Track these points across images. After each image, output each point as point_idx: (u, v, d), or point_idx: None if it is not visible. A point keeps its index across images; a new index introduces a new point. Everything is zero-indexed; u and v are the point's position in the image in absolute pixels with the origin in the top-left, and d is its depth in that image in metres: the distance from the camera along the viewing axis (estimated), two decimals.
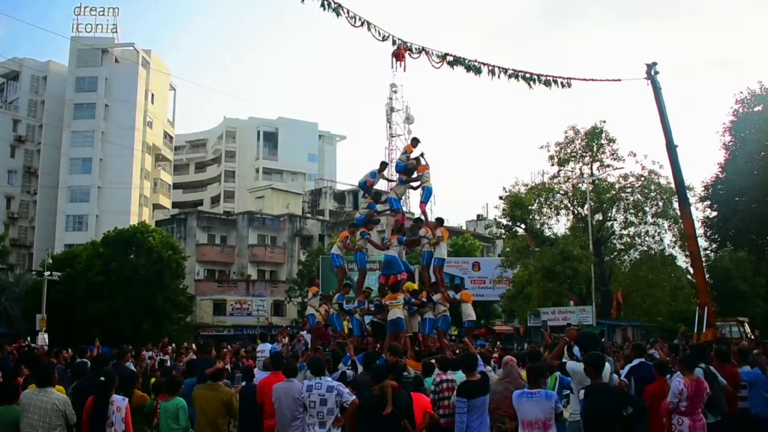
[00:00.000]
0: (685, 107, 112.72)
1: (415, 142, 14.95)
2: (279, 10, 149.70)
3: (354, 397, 6.99)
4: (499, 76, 16.82)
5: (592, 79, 19.41)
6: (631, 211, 32.69)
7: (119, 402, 6.73)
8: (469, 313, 12.92)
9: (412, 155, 14.66)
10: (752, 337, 24.54)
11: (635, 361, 8.58)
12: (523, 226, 34.88)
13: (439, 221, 14.00)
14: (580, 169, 34.00)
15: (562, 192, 34.30)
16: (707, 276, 24.32)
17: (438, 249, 13.28)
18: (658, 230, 32.83)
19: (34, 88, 61.99)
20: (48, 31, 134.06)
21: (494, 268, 39.47)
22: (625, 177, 33.01)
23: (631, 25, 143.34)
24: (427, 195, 14.21)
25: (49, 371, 6.96)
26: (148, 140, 61.14)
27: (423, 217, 14.29)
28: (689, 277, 31.25)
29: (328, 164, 79.92)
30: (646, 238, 33.21)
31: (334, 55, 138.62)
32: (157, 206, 63.55)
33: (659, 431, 7.48)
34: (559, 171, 33.98)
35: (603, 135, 33.06)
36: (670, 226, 32.20)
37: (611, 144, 33.09)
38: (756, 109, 27.52)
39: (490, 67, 16.71)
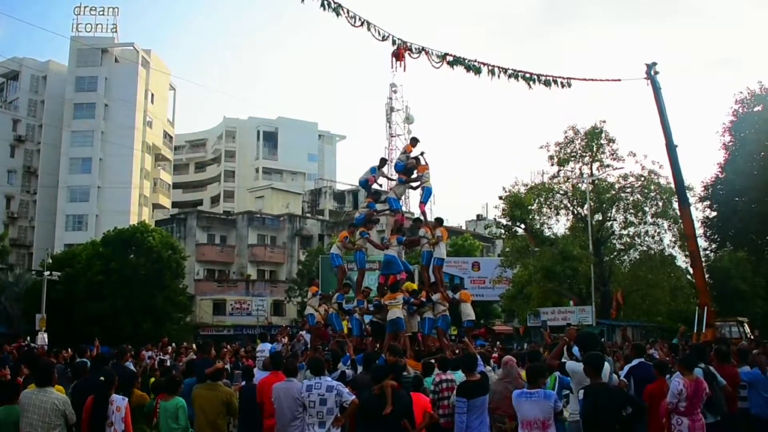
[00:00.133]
0: (685, 107, 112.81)
1: (414, 141, 14.95)
2: (279, 9, 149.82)
3: (354, 396, 6.99)
4: (498, 76, 16.82)
5: (592, 79, 19.43)
6: (631, 211, 32.67)
7: (119, 402, 6.73)
8: (468, 312, 12.91)
9: (412, 155, 14.66)
10: (752, 337, 24.54)
11: (635, 361, 8.58)
12: (522, 226, 34.86)
13: (439, 221, 14.00)
14: (580, 169, 34.00)
15: (561, 192, 34.29)
16: (707, 276, 24.30)
17: (437, 249, 13.28)
18: (657, 230, 32.82)
19: (33, 87, 61.98)
20: (48, 30, 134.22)
21: (494, 268, 39.45)
22: (625, 177, 33.03)
23: (631, 25, 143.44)
24: (426, 195, 14.21)
25: (49, 371, 6.97)
26: (147, 140, 61.15)
27: (422, 217, 14.28)
28: (689, 277, 31.24)
29: (328, 164, 79.93)
30: (646, 238, 33.21)
31: (334, 55, 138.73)
32: (156, 206, 63.55)
33: (659, 431, 7.49)
34: (559, 171, 33.98)
35: (603, 135, 33.04)
36: (669, 226, 32.19)
37: (611, 144, 33.09)
38: (756, 109, 27.53)
39: (490, 67, 16.70)
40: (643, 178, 32.19)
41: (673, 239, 32.50)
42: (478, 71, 16.51)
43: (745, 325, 28.01)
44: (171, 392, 7.60)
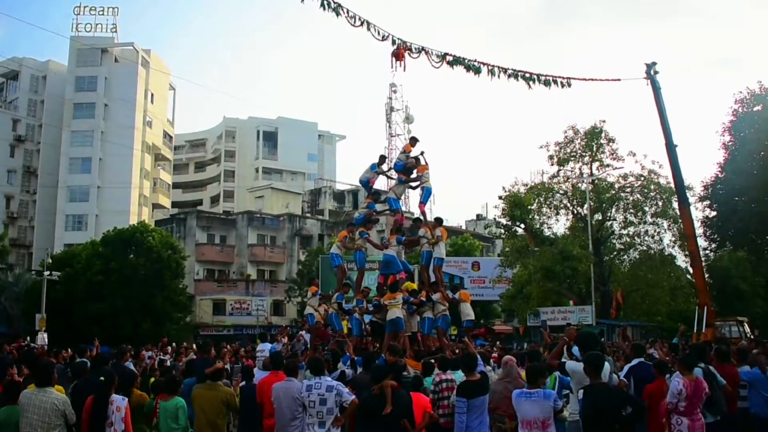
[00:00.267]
0: (684, 107, 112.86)
1: (413, 141, 14.94)
2: (279, 9, 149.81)
3: (353, 396, 6.99)
4: (498, 76, 16.80)
5: (592, 79, 19.40)
6: (631, 210, 32.66)
7: (119, 402, 6.73)
8: (467, 312, 12.91)
9: (411, 154, 14.64)
10: (752, 336, 24.55)
11: (634, 361, 8.58)
12: (522, 225, 34.86)
13: (438, 221, 14.00)
14: (580, 169, 34.00)
15: (561, 192, 34.28)
16: (707, 276, 24.30)
17: (437, 249, 13.29)
18: (657, 230, 32.82)
19: (33, 87, 61.96)
20: (47, 30, 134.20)
21: (494, 267, 39.44)
22: (625, 177, 33.02)
23: (631, 25, 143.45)
24: (426, 195, 14.21)
25: (49, 371, 6.96)
26: (147, 140, 61.14)
27: (422, 217, 14.27)
28: (689, 276, 31.23)
29: (328, 164, 79.93)
30: (646, 238, 33.20)
31: (334, 55, 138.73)
32: (156, 206, 63.54)
33: (659, 431, 7.49)
34: (559, 171, 33.96)
35: (602, 135, 33.03)
36: (669, 225, 32.19)
37: (611, 144, 33.08)
38: (755, 108, 27.52)
39: (490, 67, 16.69)
40: (642, 178, 32.19)
41: (673, 239, 32.51)
42: (477, 71, 16.50)
43: (745, 324, 28.02)
44: (171, 392, 7.61)
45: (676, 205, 27.25)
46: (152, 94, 62.51)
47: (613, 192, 32.87)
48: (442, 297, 12.59)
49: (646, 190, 31.96)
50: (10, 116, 60.12)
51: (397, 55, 15.38)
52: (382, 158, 15.40)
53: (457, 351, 11.80)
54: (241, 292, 49.13)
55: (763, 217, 26.59)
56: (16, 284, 41.35)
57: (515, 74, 17.11)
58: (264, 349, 14.21)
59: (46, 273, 34.96)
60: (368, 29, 14.65)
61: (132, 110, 58.85)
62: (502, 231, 38.69)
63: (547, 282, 31.88)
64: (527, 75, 17.28)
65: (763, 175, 26.24)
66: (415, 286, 13.80)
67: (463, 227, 63.78)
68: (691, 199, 26.56)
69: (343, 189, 67.27)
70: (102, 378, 6.90)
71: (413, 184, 14.76)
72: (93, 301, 36.99)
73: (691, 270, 25.22)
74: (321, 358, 8.79)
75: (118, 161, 57.08)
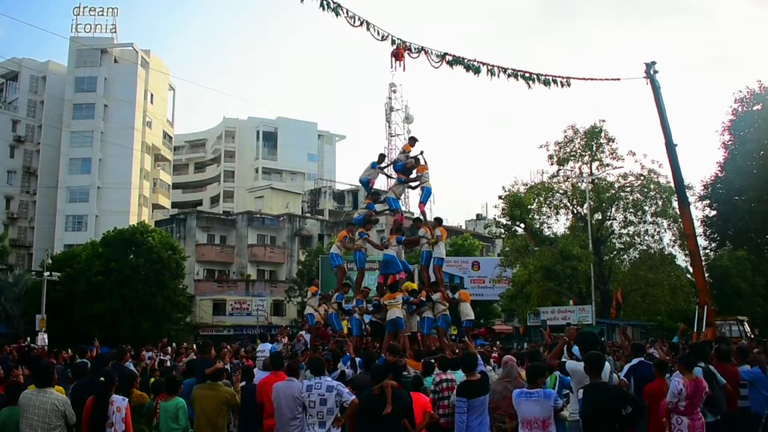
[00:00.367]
0: (684, 106, 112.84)
1: (412, 141, 14.92)
2: (278, 9, 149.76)
3: (354, 396, 6.99)
4: (498, 76, 16.77)
5: (592, 79, 19.36)
6: (631, 210, 32.65)
7: (119, 402, 6.73)
8: (467, 312, 12.91)
9: (411, 154, 14.63)
10: (752, 336, 24.60)
11: (634, 361, 8.57)
12: (522, 225, 34.83)
13: (438, 221, 13.99)
14: (580, 169, 34.00)
15: (561, 191, 34.27)
16: (707, 275, 24.30)
17: (437, 249, 13.28)
18: (657, 229, 32.81)
19: (33, 88, 61.94)
20: (47, 31, 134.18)
21: (494, 267, 39.43)
22: (625, 176, 33.02)
23: (631, 25, 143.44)
24: (426, 195, 14.19)
25: (49, 371, 6.95)
26: (147, 140, 61.13)
27: (422, 217, 14.26)
28: (689, 276, 31.23)
29: (328, 164, 79.91)
30: (646, 237, 33.20)
31: (333, 54, 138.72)
32: (156, 206, 63.54)
33: (659, 430, 7.48)
34: (559, 170, 33.95)
35: (602, 134, 33.02)
36: (669, 225, 32.20)
37: (610, 143, 33.07)
38: (755, 108, 27.50)
39: (490, 67, 16.66)
40: (642, 177, 32.19)
41: (673, 238, 32.50)
42: (477, 71, 16.48)
43: (745, 323, 28.05)
44: (171, 392, 7.61)
45: (675, 204, 27.23)
46: (152, 95, 62.51)
47: (613, 191, 32.86)
48: (442, 297, 12.58)
49: (645, 190, 31.96)
50: (10, 117, 60.10)
51: (397, 55, 15.36)
52: (382, 157, 15.38)
53: (457, 351, 11.80)
54: (241, 292, 49.11)
55: (763, 216, 26.58)
56: (16, 285, 41.30)
57: (515, 74, 17.09)
58: (264, 349, 14.21)
59: (46, 273, 34.94)
60: (368, 29, 14.64)
61: (131, 111, 58.86)
62: (502, 231, 38.67)
63: (547, 282, 31.87)
64: (527, 75, 17.26)
65: (763, 174, 26.22)
66: (415, 286, 13.79)
67: (463, 227, 63.78)
68: (691, 199, 26.57)
69: (342, 189, 67.26)
70: (102, 378, 6.90)
71: (413, 184, 14.74)
72: (93, 301, 36.98)
73: (691, 269, 25.20)
74: (321, 358, 8.79)
75: (117, 162, 57.09)
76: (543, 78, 17.41)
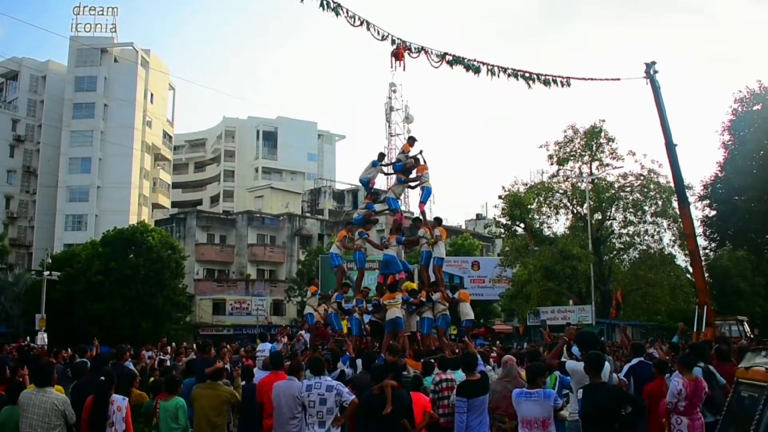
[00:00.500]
0: (684, 106, 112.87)
1: (411, 141, 14.92)
2: (278, 9, 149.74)
3: (353, 396, 6.99)
4: (498, 76, 16.75)
5: (591, 78, 19.33)
6: (631, 210, 32.66)
7: (120, 402, 6.73)
8: (467, 312, 12.90)
9: (410, 154, 14.63)
10: (752, 335, 24.59)
11: (634, 361, 8.57)
12: (522, 225, 34.84)
13: (438, 221, 13.98)
14: (580, 168, 34.01)
15: (561, 191, 34.28)
16: (706, 275, 24.30)
17: (436, 248, 13.27)
18: (657, 229, 32.83)
19: (33, 87, 61.93)
20: (47, 30, 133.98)
21: (493, 267, 39.45)
22: (625, 176, 33.04)
23: (631, 25, 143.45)
24: (426, 195, 14.17)
25: (48, 371, 6.95)
26: (147, 140, 61.12)
27: (421, 217, 14.25)
28: (688, 276, 31.23)
29: (328, 163, 79.90)
30: (646, 237, 33.21)
31: (333, 54, 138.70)
32: (156, 206, 63.54)
33: (658, 430, 7.48)
34: (559, 170, 33.97)
35: (602, 134, 33.04)
36: (669, 225, 32.21)
37: (610, 143, 33.09)
38: (755, 108, 27.48)
39: (489, 67, 16.64)
40: (642, 177, 32.20)
41: (673, 238, 32.52)
42: (477, 71, 16.46)
43: (745, 323, 28.05)
44: (170, 392, 7.61)
45: (675, 204, 27.23)
46: (152, 94, 62.50)
47: (613, 191, 32.87)
48: (442, 297, 12.58)
49: (645, 190, 31.97)
50: (10, 116, 60.09)
51: (397, 55, 15.34)
52: (381, 156, 15.38)
53: (456, 351, 11.80)
54: (240, 291, 49.11)
55: (763, 216, 26.57)
56: (16, 284, 41.31)
57: (515, 74, 17.07)
58: (264, 349, 14.21)
59: (46, 273, 34.95)
60: (368, 29, 14.62)
61: (131, 110, 58.84)
62: (502, 230, 38.67)
63: (546, 281, 31.88)
64: (527, 74, 17.24)
65: (763, 174, 26.20)
66: (415, 285, 13.79)
67: (463, 227, 63.78)
68: (691, 199, 26.56)
69: (342, 189, 67.26)
70: (102, 378, 6.90)
71: (412, 183, 14.73)
72: (93, 301, 36.97)
73: (690, 269, 25.19)
74: (321, 357, 8.79)
75: (117, 161, 57.08)
76: (543, 78, 17.39)
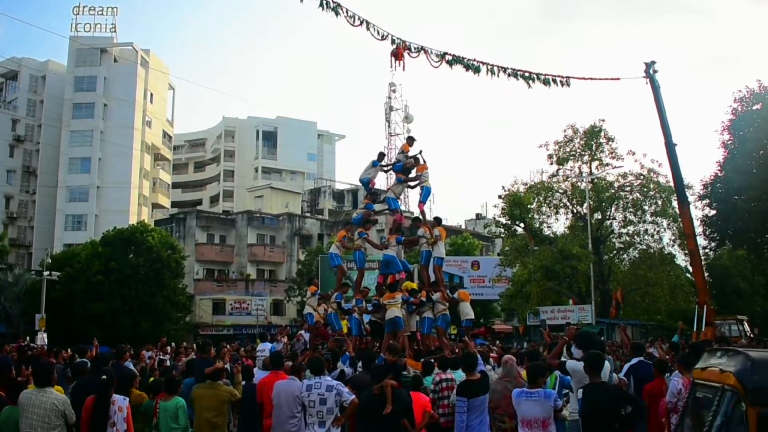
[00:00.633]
0: (684, 106, 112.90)
1: (410, 141, 14.90)
2: (278, 9, 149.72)
3: (353, 396, 6.99)
4: (498, 75, 16.76)
5: (591, 78, 19.36)
6: (630, 209, 32.68)
7: (120, 402, 6.72)
8: (467, 312, 12.89)
9: (410, 154, 14.62)
10: (751, 335, 24.60)
11: (634, 360, 8.57)
12: (522, 225, 34.86)
13: (437, 220, 13.97)
14: (579, 168, 34.03)
15: (561, 191, 34.30)
16: (706, 274, 24.31)
17: (436, 248, 13.27)
18: (657, 229, 32.86)
19: (32, 87, 61.91)
20: (47, 30, 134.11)
21: (493, 267, 39.46)
22: (624, 176, 33.06)
23: (631, 25, 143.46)
24: (425, 195, 14.17)
25: (48, 371, 6.95)
26: (147, 140, 61.11)
27: (421, 217, 14.25)
28: (688, 275, 31.27)
29: (327, 163, 79.90)
30: (645, 237, 33.24)
31: (333, 54, 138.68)
32: (156, 206, 63.52)
33: (658, 430, 7.48)
34: (558, 170, 33.99)
35: (602, 134, 33.06)
36: (669, 224, 32.22)
37: (610, 143, 33.12)
38: (755, 107, 27.47)
39: (489, 66, 16.65)
40: (642, 177, 32.22)
41: (673, 238, 32.54)
42: (477, 70, 16.47)
43: (745, 323, 28.08)
44: (170, 392, 7.61)
45: (675, 203, 27.26)
46: (151, 94, 62.49)
47: (613, 191, 32.89)
48: (442, 296, 12.57)
49: (645, 189, 31.99)
50: (10, 116, 60.08)
51: (397, 55, 15.33)
52: (381, 155, 15.38)
53: (456, 350, 11.80)
54: (240, 291, 49.09)
55: (763, 215, 26.57)
56: (16, 284, 41.28)
57: (515, 73, 17.08)
58: (264, 348, 14.20)
59: (46, 273, 34.95)
60: (367, 29, 14.62)
61: (131, 110, 58.84)
62: (502, 230, 38.68)
63: (546, 281, 31.89)
64: (526, 74, 17.25)
65: (763, 173, 26.20)
66: (414, 285, 13.78)
67: (463, 226, 63.78)
68: (691, 198, 26.59)
69: (342, 188, 67.25)
70: (104, 377, 6.89)
71: (412, 183, 14.73)
72: (92, 301, 36.96)
73: (690, 269, 25.22)
74: (321, 357, 8.79)
75: (117, 161, 57.07)
76: (543, 78, 17.41)
